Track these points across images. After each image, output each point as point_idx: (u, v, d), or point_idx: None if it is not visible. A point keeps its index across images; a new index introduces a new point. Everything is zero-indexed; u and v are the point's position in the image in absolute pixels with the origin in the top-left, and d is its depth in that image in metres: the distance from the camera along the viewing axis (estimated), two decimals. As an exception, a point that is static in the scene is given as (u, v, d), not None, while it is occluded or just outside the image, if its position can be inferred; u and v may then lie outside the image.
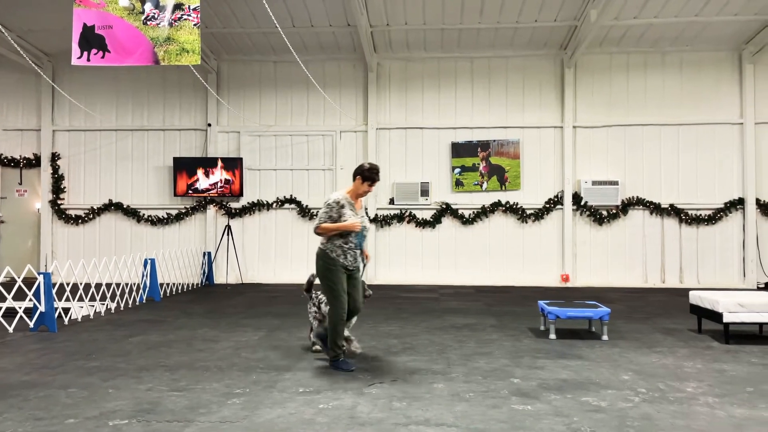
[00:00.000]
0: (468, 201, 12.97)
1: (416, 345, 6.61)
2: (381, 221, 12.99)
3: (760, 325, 6.97)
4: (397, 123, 13.14)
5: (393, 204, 13.04)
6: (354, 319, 5.88)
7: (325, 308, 6.05)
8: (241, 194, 13.17)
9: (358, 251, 5.62)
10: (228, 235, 13.08)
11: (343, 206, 5.48)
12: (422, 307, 9.54)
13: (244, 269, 13.17)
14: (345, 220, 5.44)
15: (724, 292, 7.18)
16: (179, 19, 8.08)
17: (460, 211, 12.93)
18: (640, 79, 12.63)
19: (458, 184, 12.96)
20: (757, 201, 12.20)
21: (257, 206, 13.27)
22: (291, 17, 11.78)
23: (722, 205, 12.31)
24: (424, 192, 12.96)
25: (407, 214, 12.99)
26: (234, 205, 13.33)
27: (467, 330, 7.53)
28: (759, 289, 11.87)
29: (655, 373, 5.41)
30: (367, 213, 6.17)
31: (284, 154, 13.35)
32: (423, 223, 12.98)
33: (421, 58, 13.08)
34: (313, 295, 6.32)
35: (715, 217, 12.29)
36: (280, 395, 4.72)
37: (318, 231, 5.47)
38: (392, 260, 13.01)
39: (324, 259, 5.50)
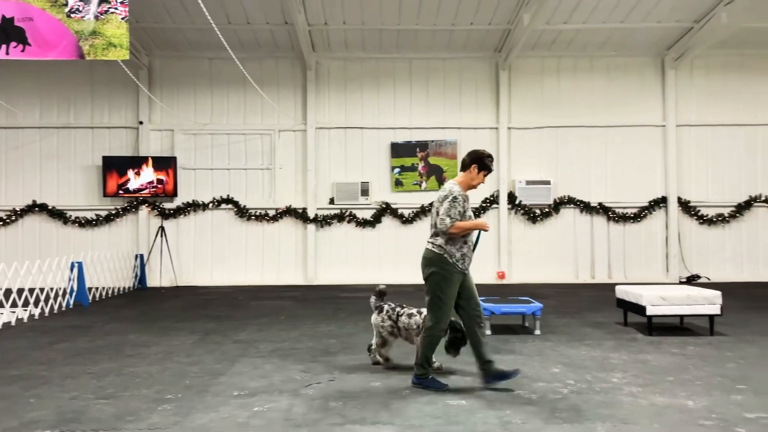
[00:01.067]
0: (408, 200, 13.08)
1: (354, 344, 6.61)
2: (321, 221, 12.92)
3: (681, 317, 7.36)
4: (336, 122, 13.10)
5: (333, 204, 13.00)
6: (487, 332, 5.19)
7: (405, 320, 5.38)
8: (175, 194, 12.80)
9: (472, 253, 4.98)
10: (161, 236, 12.68)
11: (466, 200, 4.84)
12: (362, 306, 9.55)
13: (179, 272, 12.80)
14: (470, 217, 4.86)
15: (648, 287, 7.53)
16: (106, 12, 7.77)
17: (399, 211, 13.03)
18: (570, 82, 13.09)
19: (398, 183, 13.05)
20: (679, 199, 12.87)
21: (192, 207, 12.94)
22: (226, 13, 11.55)
23: (647, 204, 12.92)
24: (365, 192, 12.98)
25: (347, 213, 12.98)
26: (168, 205, 12.94)
27: (405, 328, 7.57)
28: (681, 283, 12.52)
29: (583, 365, 5.62)
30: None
31: (221, 153, 13.07)
32: (363, 223, 12.99)
33: (360, 58, 13.09)
34: (386, 307, 5.57)
35: (640, 214, 12.89)
36: (214, 399, 4.61)
37: (453, 231, 4.71)
38: (332, 260, 12.96)
39: (441, 265, 4.76)
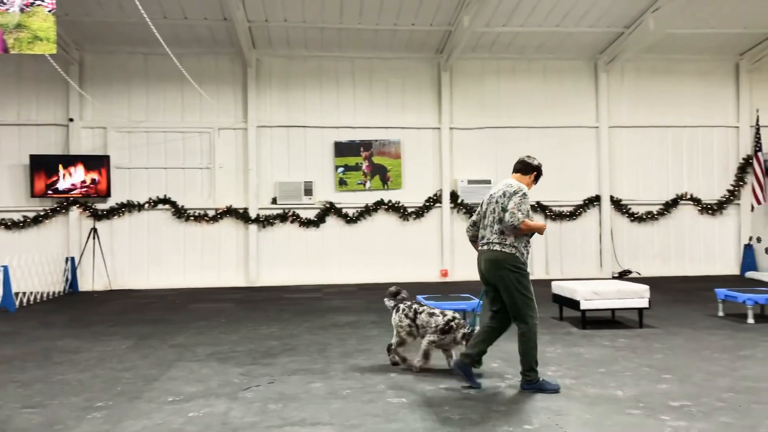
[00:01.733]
0: (352, 200, 13.06)
1: (296, 346, 6.55)
2: (263, 221, 12.73)
3: (612, 310, 7.66)
4: (279, 121, 12.94)
5: (276, 203, 12.83)
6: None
7: (425, 318, 5.29)
8: (108, 194, 12.33)
9: None
10: (94, 238, 12.19)
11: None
12: (305, 307, 9.48)
13: (113, 275, 12.34)
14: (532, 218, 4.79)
15: (582, 282, 7.80)
16: (31, 4, 7.39)
17: (344, 210, 12.99)
18: (509, 84, 13.39)
19: (342, 183, 13.01)
20: (611, 198, 13.38)
21: (127, 207, 12.50)
22: (162, 8, 11.21)
23: (582, 202, 13.37)
24: (308, 191, 12.88)
25: (291, 213, 12.84)
26: (101, 206, 12.45)
27: (349, 328, 7.58)
28: (613, 278, 13.03)
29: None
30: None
31: (157, 152, 12.68)
32: (307, 223, 12.89)
33: (303, 56, 12.98)
34: (402, 306, 5.48)
35: (576, 213, 13.33)
36: (147, 406, 4.47)
37: (522, 227, 4.64)
38: (275, 261, 12.79)
39: (515, 264, 4.70)
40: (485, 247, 4.87)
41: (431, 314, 5.35)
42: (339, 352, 6.17)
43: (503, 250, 4.73)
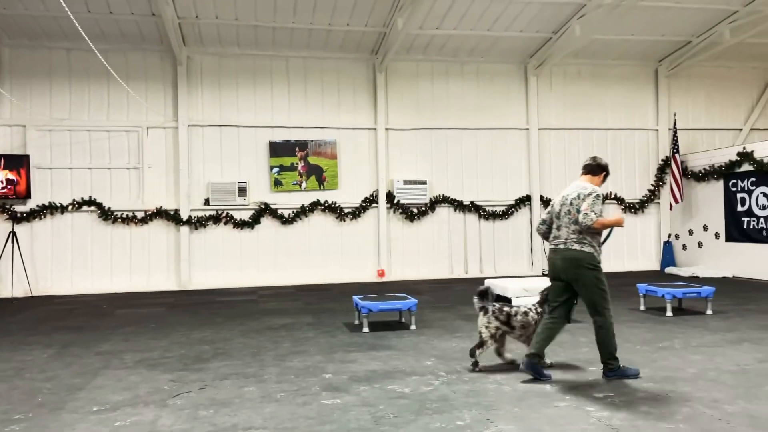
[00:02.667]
0: (287, 200, 12.92)
1: (229, 350, 6.42)
2: (195, 223, 12.40)
3: (542, 306, 7.91)
4: (211, 120, 12.64)
5: (208, 204, 12.52)
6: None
7: (521, 318, 5.31)
8: (28, 196, 11.68)
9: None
10: (13, 242, 11.52)
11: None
12: (239, 310, 9.30)
13: (33, 281, 11.70)
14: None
15: (513, 279, 8.03)
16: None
17: (279, 211, 12.83)
18: (443, 86, 13.61)
19: (277, 183, 12.85)
20: (541, 198, 13.83)
21: (49, 209, 11.89)
22: (86, 1, 10.73)
23: (513, 202, 13.75)
24: (242, 192, 12.64)
25: (224, 214, 12.57)
26: (20, 208, 11.78)
27: (284, 330, 7.50)
28: (544, 275, 13.47)
29: (454, 357, 5.87)
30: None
31: (81, 152, 12.12)
32: (241, 224, 12.65)
33: (235, 55, 12.73)
34: (491, 308, 5.36)
35: (508, 212, 13.70)
36: (70, 416, 4.27)
37: (598, 226, 4.90)
38: (208, 263, 12.48)
39: (592, 263, 4.97)
40: (561, 246, 5.11)
41: (525, 313, 5.40)
42: (273, 355, 6.10)
43: (582, 249, 4.99)
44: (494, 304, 5.46)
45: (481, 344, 5.37)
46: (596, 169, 5.26)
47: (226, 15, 11.42)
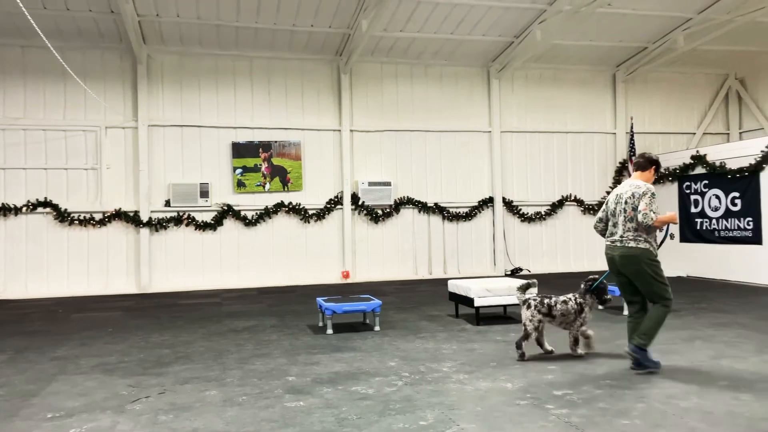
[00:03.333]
0: (251, 202, 12.79)
1: (190, 353, 6.32)
2: (156, 225, 12.16)
3: (504, 306, 8.03)
4: (172, 120, 12.42)
5: (169, 206, 12.30)
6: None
7: (561, 307, 5.64)
8: (-21, 197, 11.28)
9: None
10: (-37, 245, 11.11)
11: None
12: (201, 313, 9.16)
13: (-15, 285, 11.31)
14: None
15: (476, 280, 8.11)
16: None
17: (242, 213, 12.70)
18: (407, 88, 13.68)
19: (240, 185, 12.71)
20: (504, 199, 14.03)
21: (2, 211, 11.50)
22: (41, -3, 10.43)
23: (477, 203, 13.92)
24: (204, 193, 12.46)
25: (185, 216, 12.36)
26: (-29, 210, 11.37)
27: (247, 333, 7.41)
28: (506, 275, 13.66)
29: (417, 357, 5.90)
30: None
31: (36, 151, 11.77)
32: (203, 226, 12.46)
33: (197, 54, 12.55)
34: (533, 302, 5.66)
35: (471, 214, 13.85)
36: (24, 424, 4.14)
37: (657, 224, 5.12)
38: (169, 266, 12.26)
39: (650, 258, 5.17)
40: (619, 243, 5.31)
41: (565, 302, 5.68)
42: (236, 358, 6.03)
43: (639, 246, 5.19)
44: (536, 297, 5.72)
45: (526, 336, 5.69)
46: (645, 164, 5.49)
47: (188, 13, 11.25)
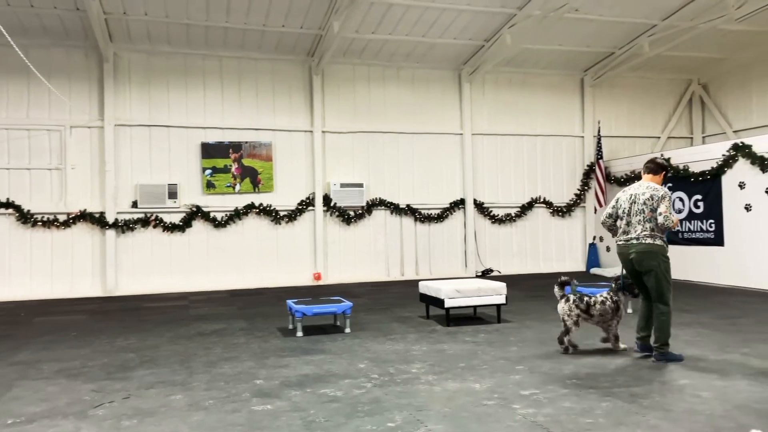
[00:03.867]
0: (220, 203, 12.65)
1: (156, 357, 6.22)
2: (122, 226, 11.94)
3: (474, 307, 8.10)
4: (139, 120, 12.22)
5: (136, 207, 12.10)
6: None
7: (599, 307, 5.82)
8: (-63, 198, 10.93)
9: None
10: None
11: None
12: (169, 316, 9.03)
13: (-57, 288, 10.95)
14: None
15: (446, 281, 8.16)
16: None
17: (212, 214, 12.55)
18: (380, 90, 13.71)
19: (210, 185, 12.56)
20: (475, 201, 14.15)
21: (-39, 212, 11.17)
22: (3, -8, 10.16)
23: (448, 205, 14.01)
24: (172, 194, 12.28)
25: (153, 217, 12.17)
26: (-72, 211, 11.01)
27: (215, 336, 7.33)
28: (477, 276, 13.77)
29: (387, 359, 5.91)
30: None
31: (-3, 151, 11.46)
32: (172, 228, 12.28)
33: (166, 53, 12.37)
34: (572, 297, 5.88)
35: (443, 215, 13.93)
36: (-20, 433, 4.03)
37: (673, 226, 5.51)
38: (136, 269, 12.05)
39: (665, 254, 5.56)
40: (635, 241, 5.64)
41: (603, 302, 5.85)
42: (203, 362, 5.95)
43: (655, 242, 5.56)
44: (574, 295, 5.94)
45: (567, 331, 5.92)
46: (657, 168, 5.86)
47: (156, 12, 11.08)
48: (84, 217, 11.75)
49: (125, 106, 12.15)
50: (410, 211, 13.72)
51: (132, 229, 12.04)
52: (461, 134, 14.12)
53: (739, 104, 14.76)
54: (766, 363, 5.50)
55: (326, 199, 13.18)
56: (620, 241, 5.80)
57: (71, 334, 7.66)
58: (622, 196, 5.86)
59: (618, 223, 5.86)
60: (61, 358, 6.22)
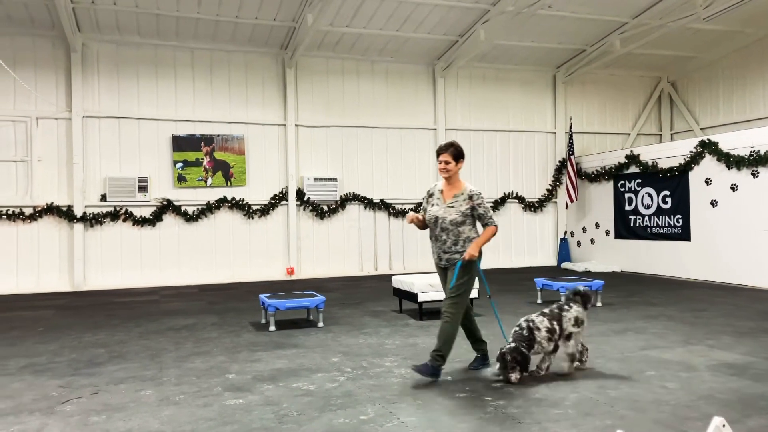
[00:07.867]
0: (192, 197, 12.49)
1: (126, 352, 6.12)
2: (91, 220, 11.70)
3: (447, 301, 8.13)
4: (108, 111, 11.97)
5: (105, 201, 11.87)
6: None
7: (544, 334, 5.00)
8: None
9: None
10: None
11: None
12: (139, 311, 8.89)
13: None
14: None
15: (419, 276, 8.19)
16: None
17: (183, 208, 12.38)
18: (353, 84, 13.66)
19: (181, 179, 12.38)
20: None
21: None
22: (-36, -22, 9.84)
23: (421, 200, 14.02)
24: (143, 188, 12.07)
25: (123, 211, 11.95)
26: None
27: (186, 331, 7.24)
28: (451, 271, 13.83)
29: (360, 353, 5.91)
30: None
31: (-41, 142, 11.12)
32: (142, 222, 12.08)
33: (136, 43, 12.13)
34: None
35: (416, 210, 13.96)
36: (-59, 431, 3.91)
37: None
38: (105, 263, 11.83)
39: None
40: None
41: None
42: (174, 357, 5.88)
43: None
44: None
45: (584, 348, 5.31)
46: (460, 158, 5.55)
47: (125, 1, 10.85)
48: (51, 210, 11.49)
49: (93, 98, 11.89)
50: (384, 206, 13.73)
51: (101, 223, 11.81)
52: (435, 129, 14.17)
53: (706, 102, 15.10)
54: (729, 354, 5.66)
55: (299, 194, 13.11)
56: None
57: (38, 329, 7.48)
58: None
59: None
60: (27, 354, 6.08)
